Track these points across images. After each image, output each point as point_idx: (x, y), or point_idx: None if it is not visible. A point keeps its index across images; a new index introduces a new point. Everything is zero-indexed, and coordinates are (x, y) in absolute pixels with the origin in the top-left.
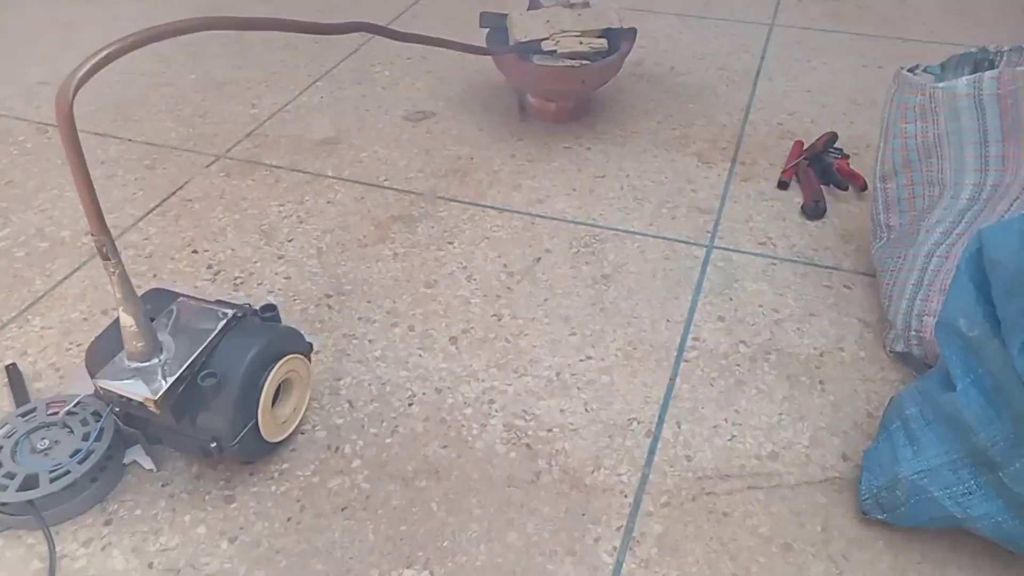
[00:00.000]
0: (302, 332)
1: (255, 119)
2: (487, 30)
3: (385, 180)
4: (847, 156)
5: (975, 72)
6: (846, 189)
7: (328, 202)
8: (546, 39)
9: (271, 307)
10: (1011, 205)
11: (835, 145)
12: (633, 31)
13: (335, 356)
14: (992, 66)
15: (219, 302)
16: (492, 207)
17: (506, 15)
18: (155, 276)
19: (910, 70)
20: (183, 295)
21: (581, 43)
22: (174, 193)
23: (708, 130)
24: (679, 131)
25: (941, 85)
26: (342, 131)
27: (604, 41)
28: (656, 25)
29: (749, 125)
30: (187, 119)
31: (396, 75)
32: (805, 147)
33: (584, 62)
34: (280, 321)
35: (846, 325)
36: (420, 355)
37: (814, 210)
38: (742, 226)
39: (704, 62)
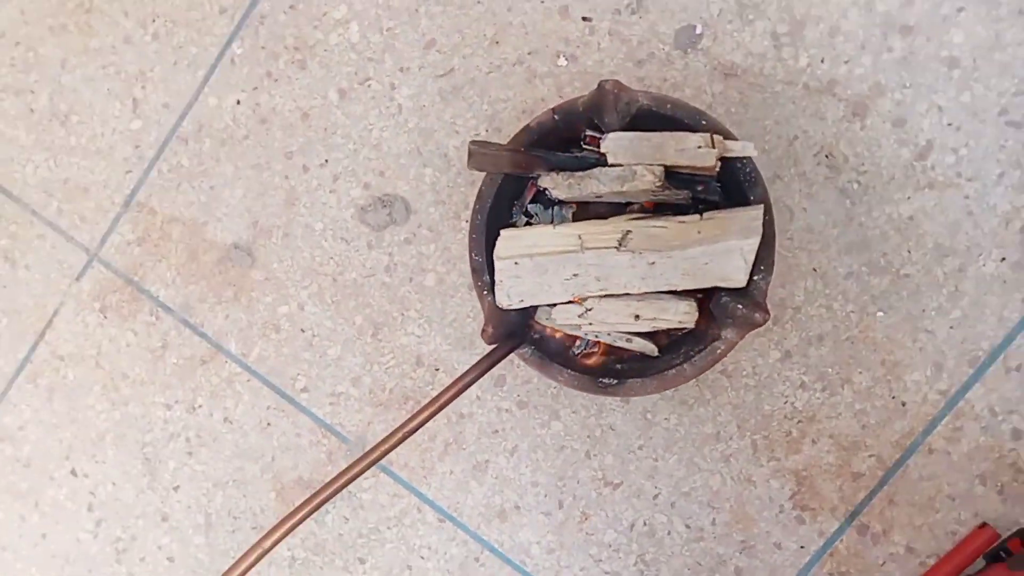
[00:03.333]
0: None
1: (138, 156)
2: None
3: (304, 389)
4: None
5: None
6: None
7: (225, 419)
8: (565, 303)
9: None
10: None
11: None
12: (761, 314)
13: None
14: None
15: None
16: (432, 504)
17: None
18: None
19: None
20: None
21: (633, 322)
22: (42, 337)
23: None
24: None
25: None
26: (262, 229)
27: (688, 311)
28: None
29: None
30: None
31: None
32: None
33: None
34: None
35: None
36: None
37: None
38: None
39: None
